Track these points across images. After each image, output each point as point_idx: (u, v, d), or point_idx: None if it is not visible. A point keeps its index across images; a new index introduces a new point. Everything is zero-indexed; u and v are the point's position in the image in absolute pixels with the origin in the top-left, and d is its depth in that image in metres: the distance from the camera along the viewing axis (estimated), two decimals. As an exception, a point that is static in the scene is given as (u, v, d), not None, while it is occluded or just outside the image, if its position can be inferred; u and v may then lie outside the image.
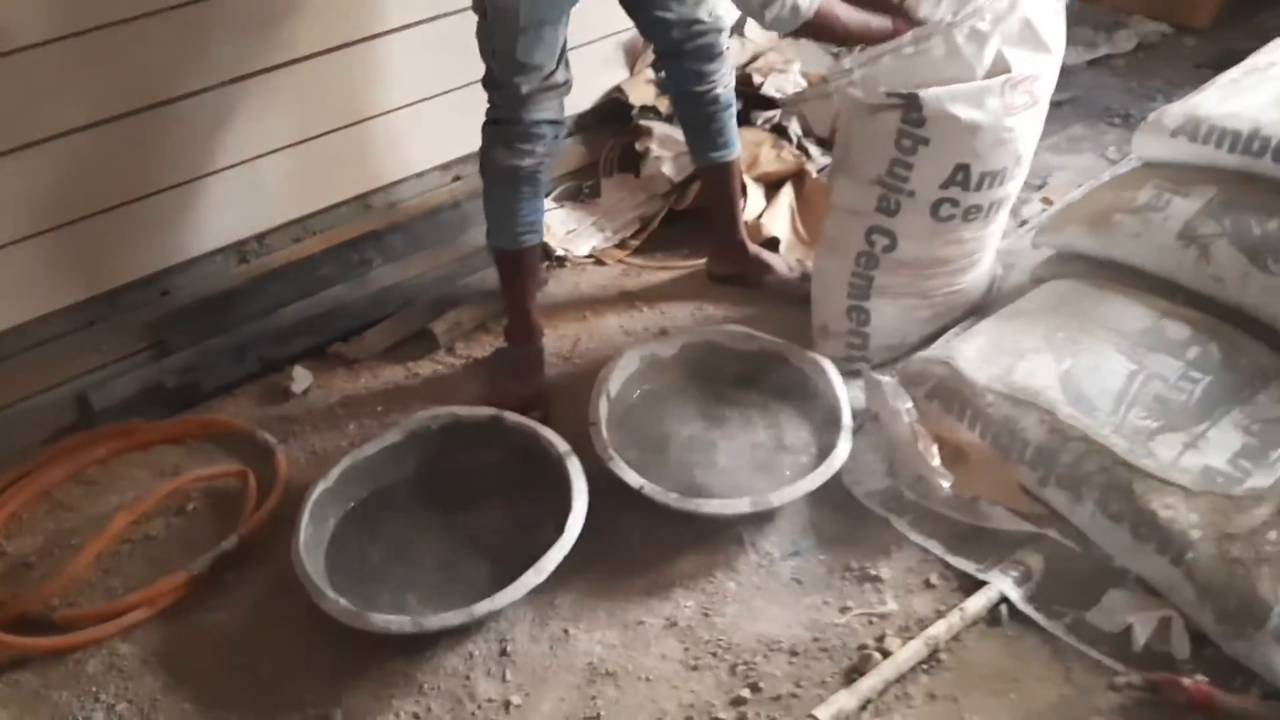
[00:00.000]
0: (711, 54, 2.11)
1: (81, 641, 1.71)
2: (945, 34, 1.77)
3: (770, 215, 2.44)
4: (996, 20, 1.78)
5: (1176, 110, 2.05)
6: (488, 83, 1.92)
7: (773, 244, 2.40)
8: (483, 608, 1.60)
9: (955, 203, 1.90)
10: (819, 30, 1.83)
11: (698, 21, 2.04)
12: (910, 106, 1.79)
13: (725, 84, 2.16)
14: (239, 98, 2.16)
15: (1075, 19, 3.33)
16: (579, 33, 2.06)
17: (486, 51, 1.89)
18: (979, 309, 2.14)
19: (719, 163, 2.24)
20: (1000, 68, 1.81)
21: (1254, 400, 1.73)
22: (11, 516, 1.94)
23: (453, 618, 1.60)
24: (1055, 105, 2.96)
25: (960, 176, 1.86)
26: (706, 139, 2.22)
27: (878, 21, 1.84)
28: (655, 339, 2.09)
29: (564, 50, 1.90)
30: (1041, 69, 1.85)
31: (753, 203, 2.46)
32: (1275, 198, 1.87)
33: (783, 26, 1.78)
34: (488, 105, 1.93)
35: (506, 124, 1.91)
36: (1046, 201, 2.54)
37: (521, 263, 2.06)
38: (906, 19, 1.84)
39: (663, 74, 2.35)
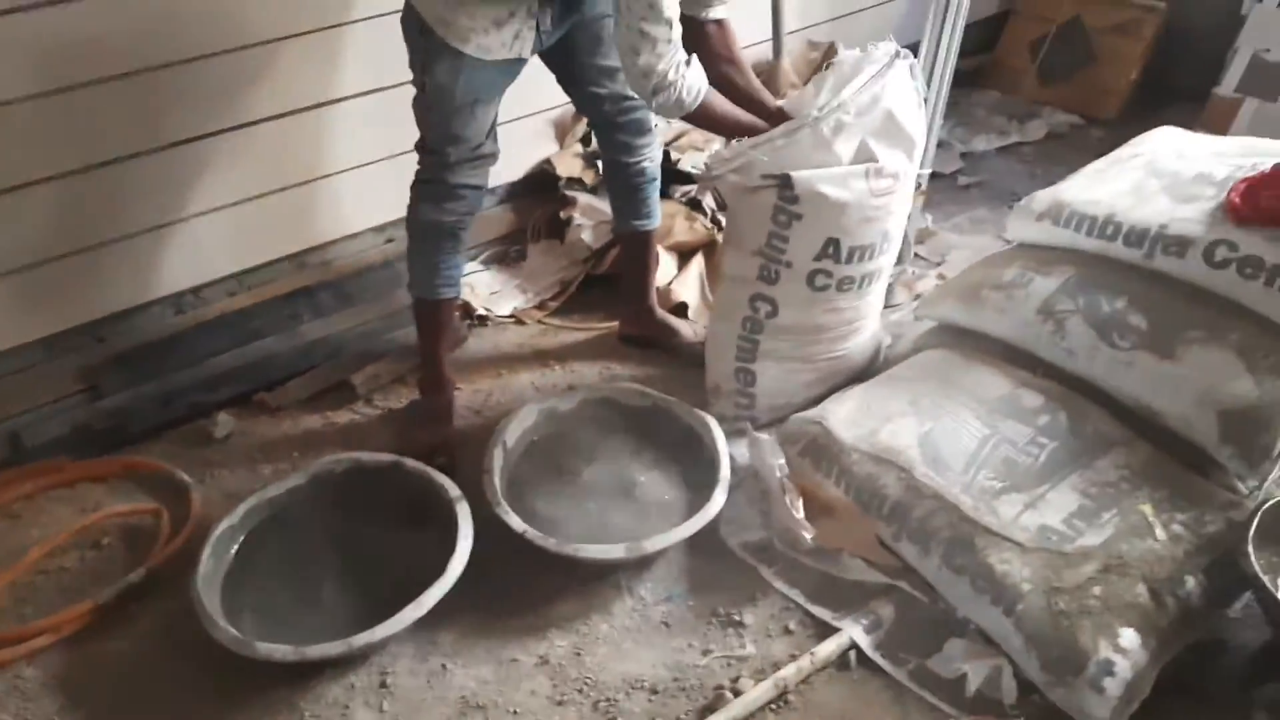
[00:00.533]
0: (641, 128, 2.27)
1: (-13, 664, 1.82)
2: (813, 126, 1.93)
3: (680, 282, 2.59)
4: (859, 113, 1.95)
5: (1044, 196, 2.22)
6: (420, 147, 2.07)
7: (681, 309, 2.55)
8: (361, 639, 1.71)
9: (829, 274, 2.05)
10: (700, 121, 2.01)
11: (628, 98, 2.18)
12: (784, 185, 1.95)
13: (652, 158, 2.32)
14: (184, 159, 2.31)
15: (993, 109, 3.56)
16: (513, 108, 2.22)
17: (422, 121, 2.04)
18: (866, 374, 2.28)
19: (639, 231, 2.39)
20: (865, 156, 1.97)
21: (1093, 465, 1.86)
22: (-64, 547, 2.05)
23: (332, 648, 1.70)
24: (962, 188, 3.19)
25: (831, 250, 2.02)
26: (631, 208, 2.37)
27: (750, 120, 2.00)
28: (556, 394, 2.21)
29: (494, 125, 2.06)
30: (903, 157, 2.01)
31: (665, 270, 2.61)
32: (1124, 279, 2.03)
33: (669, 113, 1.94)
34: (418, 167, 2.09)
35: (434, 184, 2.07)
36: (942, 278, 2.69)
37: (438, 313, 2.20)
38: (781, 121, 1.99)
39: (594, 145, 2.49)
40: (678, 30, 1.84)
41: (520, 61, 2.00)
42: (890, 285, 2.59)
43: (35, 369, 2.29)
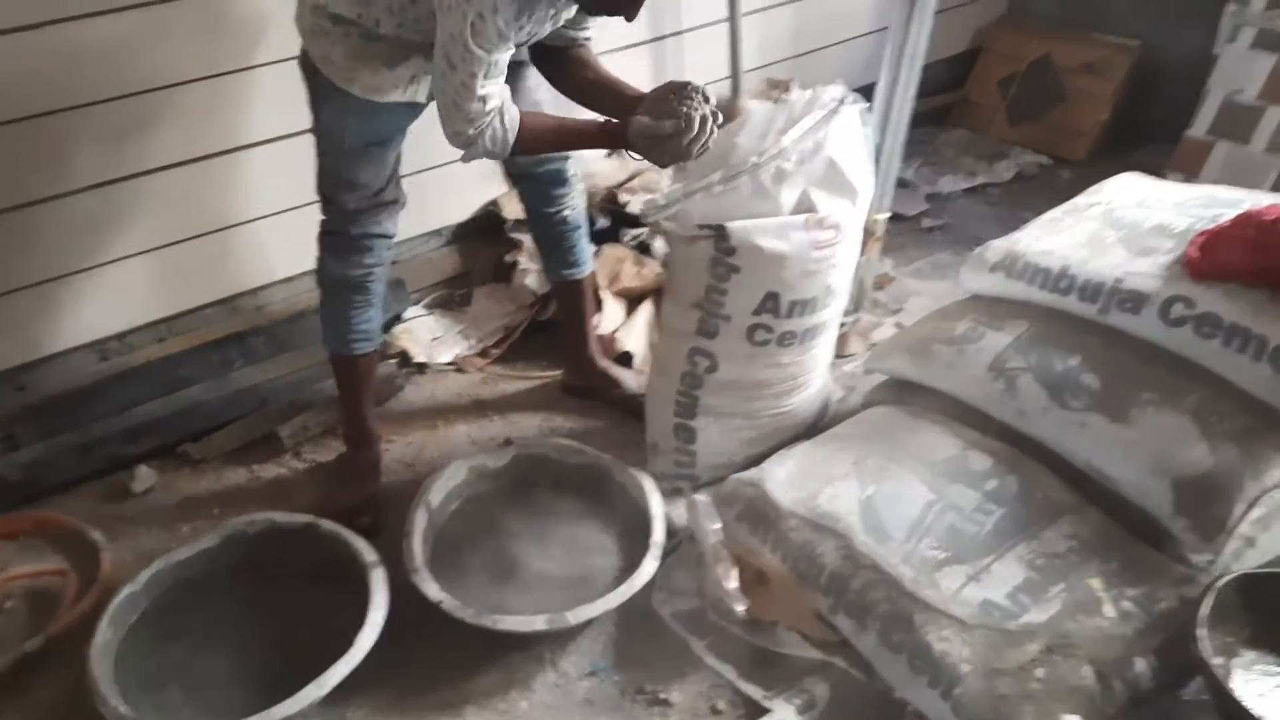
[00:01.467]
0: (558, 179, 2.19)
1: None
2: (751, 173, 1.85)
3: (626, 329, 2.50)
4: (801, 161, 1.87)
5: (998, 246, 2.14)
6: (320, 194, 1.98)
7: (627, 358, 2.46)
8: (256, 720, 1.61)
9: (769, 329, 1.96)
10: (533, 147, 1.90)
11: None
12: (720, 236, 1.87)
13: (574, 206, 2.24)
14: (105, 202, 2.23)
15: (961, 148, 3.49)
16: None
17: (318, 165, 1.96)
18: (813, 430, 2.18)
19: (570, 280, 2.31)
20: (806, 206, 1.89)
21: (1041, 535, 1.77)
22: None
23: (225, 730, 1.61)
24: (925, 231, 3.11)
25: (770, 304, 1.93)
26: (558, 257, 2.29)
27: (587, 124, 1.90)
28: (487, 450, 2.12)
29: (395, 169, 1.97)
30: (845, 208, 1.93)
31: (611, 317, 2.53)
32: (1078, 335, 1.94)
33: (494, 158, 1.85)
34: (321, 217, 2.00)
35: (336, 235, 1.98)
36: (899, 326, 2.61)
37: (355, 369, 2.11)
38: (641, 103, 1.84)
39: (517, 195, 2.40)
40: (494, 102, 1.74)
41: (418, 106, 1.91)
42: (844, 334, 2.52)
43: (-54, 419, 2.20)
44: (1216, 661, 1.57)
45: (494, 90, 1.72)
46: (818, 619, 1.80)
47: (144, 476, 2.23)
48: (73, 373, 2.33)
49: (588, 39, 1.98)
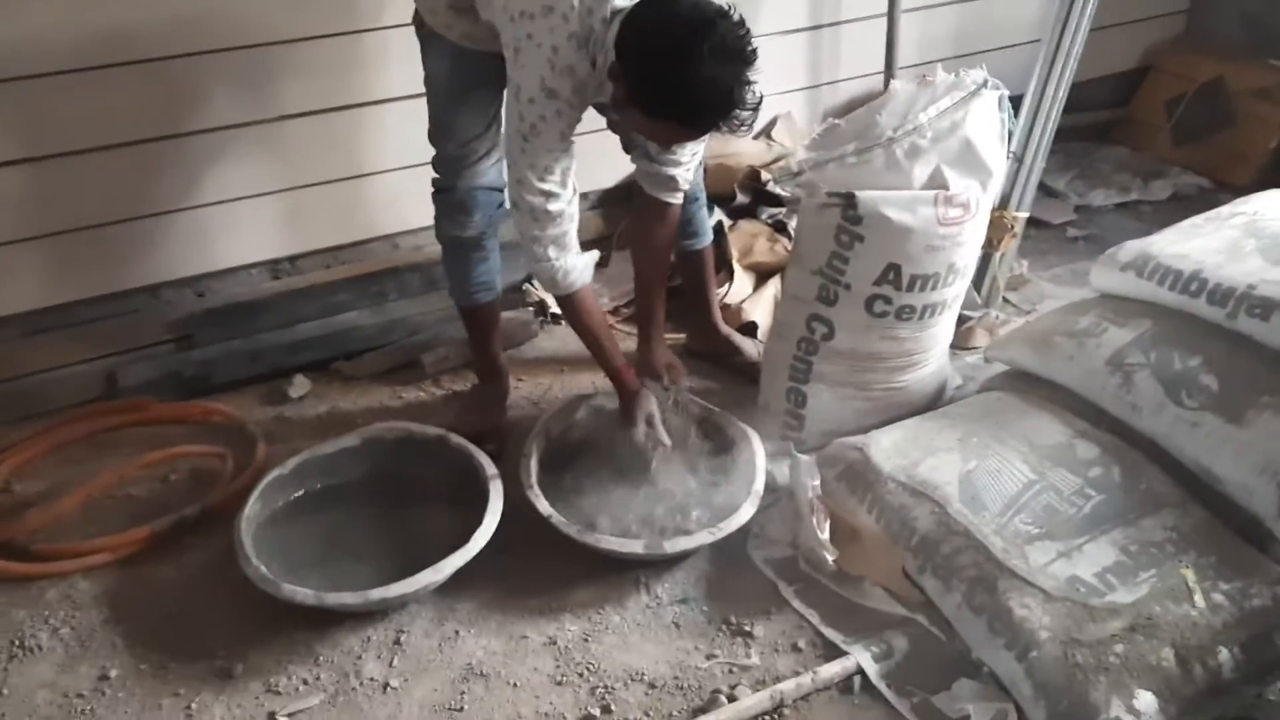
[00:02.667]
0: (671, 184, 2.17)
1: (49, 571, 1.96)
2: (886, 147, 1.92)
3: (753, 302, 2.60)
4: (936, 139, 1.93)
5: (1131, 246, 2.15)
6: (430, 143, 2.11)
7: (751, 328, 2.55)
8: (377, 594, 1.77)
9: (888, 300, 2.03)
10: (568, 313, 2.04)
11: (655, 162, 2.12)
12: (848, 204, 1.95)
13: (685, 180, 2.25)
14: (293, 132, 2.47)
15: (1118, 164, 3.45)
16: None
17: (428, 114, 2.09)
18: (926, 411, 2.22)
19: (689, 250, 2.41)
20: (938, 182, 1.95)
21: (1139, 523, 1.78)
22: (26, 463, 2.22)
23: (350, 598, 1.78)
24: (1070, 240, 3.09)
25: (892, 275, 1.99)
26: (679, 227, 2.38)
27: (611, 347, 2.05)
28: (606, 393, 2.25)
29: (495, 119, 2.04)
30: (976, 189, 1.97)
31: (740, 288, 2.62)
32: (1202, 338, 1.94)
33: (547, 288, 2.00)
34: (433, 175, 2.14)
35: (446, 193, 2.11)
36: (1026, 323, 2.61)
37: (479, 316, 2.27)
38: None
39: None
40: (559, 204, 1.84)
41: None
42: (970, 327, 2.55)
43: (138, 315, 2.48)
44: (1303, 660, 1.56)
45: (561, 200, 1.85)
46: (904, 577, 1.86)
47: (300, 385, 2.45)
48: (247, 286, 2.58)
49: (675, 184, 2.07)
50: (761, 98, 1.69)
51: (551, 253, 1.88)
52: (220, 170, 2.43)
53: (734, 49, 1.63)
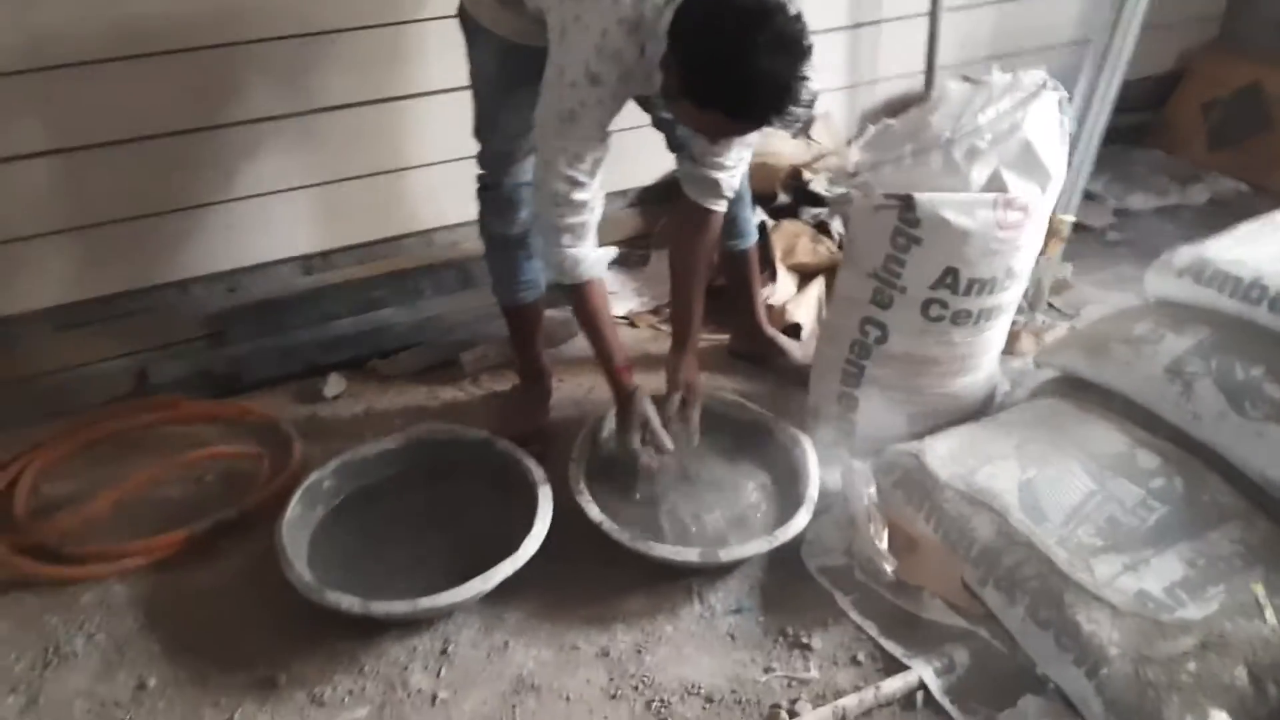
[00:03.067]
0: (715, 189, 2.11)
1: (82, 575, 1.92)
2: (944, 149, 1.88)
3: (796, 303, 2.56)
4: (995, 141, 1.88)
5: (1187, 251, 2.10)
6: (476, 139, 2.07)
7: (795, 330, 2.51)
8: (425, 603, 1.73)
9: (944, 304, 1.98)
10: (575, 304, 1.96)
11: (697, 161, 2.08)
12: (906, 206, 1.90)
13: (729, 181, 2.25)
14: (328, 125, 2.43)
15: (1154, 167, 3.41)
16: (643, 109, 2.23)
17: (473, 110, 2.04)
18: (976, 417, 2.18)
19: (734, 250, 2.37)
20: (997, 185, 1.91)
21: (1205, 536, 1.74)
22: (55, 462, 2.17)
23: (397, 607, 1.73)
24: (1110, 244, 3.05)
25: (949, 279, 1.95)
26: (724, 228, 2.33)
27: (614, 344, 1.99)
28: (654, 396, 2.20)
29: None
30: (1035, 192, 1.93)
31: (783, 289, 2.58)
32: (1264, 346, 1.89)
33: (555, 275, 1.92)
34: (478, 172, 2.10)
35: (491, 190, 2.07)
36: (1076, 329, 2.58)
37: (523, 315, 2.22)
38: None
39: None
40: (585, 194, 1.80)
41: None
42: (1016, 331, 2.50)
43: (169, 310, 2.43)
44: (1383, 679, 1.52)
45: (587, 190, 1.79)
46: (965, 589, 1.82)
47: (334, 383, 2.41)
48: (280, 281, 2.53)
49: (719, 189, 2.01)
50: (816, 94, 1.64)
51: (565, 240, 1.83)
52: (254, 164, 2.38)
53: (790, 41, 1.57)
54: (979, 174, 1.91)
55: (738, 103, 1.61)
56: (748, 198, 2.35)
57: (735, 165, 2.01)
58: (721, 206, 2.06)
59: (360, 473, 2.03)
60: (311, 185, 2.47)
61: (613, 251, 1.96)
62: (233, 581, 1.93)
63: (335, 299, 2.53)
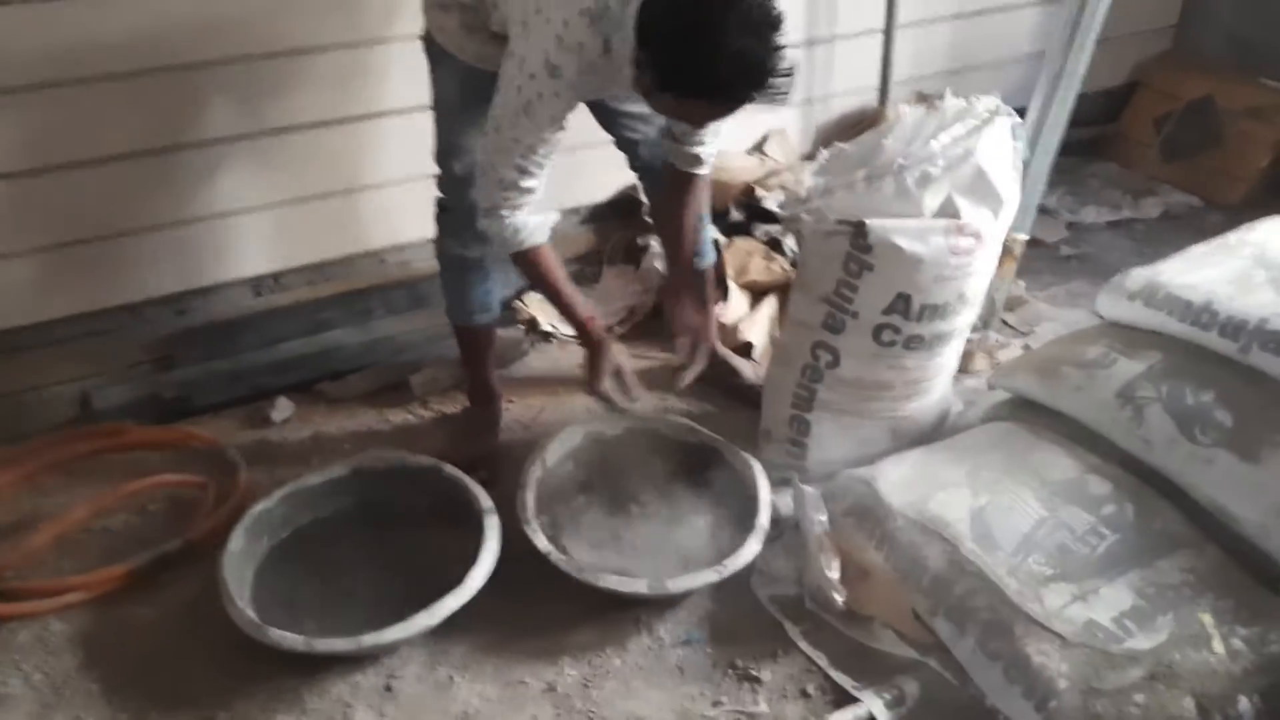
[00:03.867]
0: (698, 162, 2.21)
1: (19, 612, 1.87)
2: (897, 174, 1.87)
3: (749, 322, 2.54)
4: (948, 167, 1.88)
5: (1139, 274, 2.11)
6: (436, 163, 2.05)
7: (747, 349, 2.50)
8: (369, 639, 1.70)
9: (896, 330, 1.98)
10: (524, 269, 1.95)
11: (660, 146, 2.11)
12: (858, 233, 1.89)
13: (712, 156, 2.26)
14: (279, 147, 2.38)
15: (1108, 181, 3.43)
16: (602, 131, 2.20)
17: (434, 135, 2.02)
18: (930, 439, 2.18)
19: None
20: (949, 211, 1.90)
21: (1155, 565, 1.74)
22: (-7, 493, 2.12)
23: (341, 644, 1.70)
24: (1063, 259, 3.06)
25: (901, 305, 1.94)
26: None
27: (572, 297, 1.97)
28: (604, 419, 2.18)
29: None
30: (988, 218, 1.93)
31: (736, 308, 2.57)
32: (1214, 370, 1.90)
33: (498, 245, 1.91)
34: (437, 194, 2.08)
35: (450, 212, 2.05)
36: (1027, 349, 2.58)
37: (476, 336, 2.20)
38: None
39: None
40: (530, 181, 1.79)
41: None
42: (970, 350, 2.50)
43: (115, 334, 2.38)
44: (1327, 711, 1.53)
45: (536, 179, 1.79)
46: (915, 619, 1.81)
47: (283, 407, 2.36)
48: (229, 304, 2.49)
49: (701, 159, 2.02)
50: (793, 65, 1.61)
51: (504, 211, 1.82)
52: (205, 186, 2.34)
53: (760, 16, 1.54)
54: (931, 200, 1.90)
55: (717, 87, 1.58)
56: (707, 217, 2.33)
57: (716, 135, 2.01)
58: (706, 170, 2.07)
59: (306, 502, 2.00)
60: (263, 207, 2.43)
61: (554, 216, 1.93)
62: (175, 616, 1.89)
63: (285, 321, 2.49)
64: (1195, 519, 1.83)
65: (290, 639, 1.69)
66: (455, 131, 1.98)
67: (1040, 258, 3.01)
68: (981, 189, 1.92)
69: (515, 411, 2.38)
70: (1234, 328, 1.89)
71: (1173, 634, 1.64)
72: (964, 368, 2.47)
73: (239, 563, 1.86)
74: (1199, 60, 3.61)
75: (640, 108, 1.96)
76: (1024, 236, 2.58)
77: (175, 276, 2.41)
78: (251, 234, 2.44)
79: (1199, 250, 2.16)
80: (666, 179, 2.09)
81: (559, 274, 1.96)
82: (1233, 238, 2.17)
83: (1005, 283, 2.60)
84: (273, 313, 2.50)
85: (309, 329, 2.51)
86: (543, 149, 1.77)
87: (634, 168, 2.25)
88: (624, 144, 2.19)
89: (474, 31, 1.86)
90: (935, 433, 2.21)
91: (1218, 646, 1.63)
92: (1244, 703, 1.57)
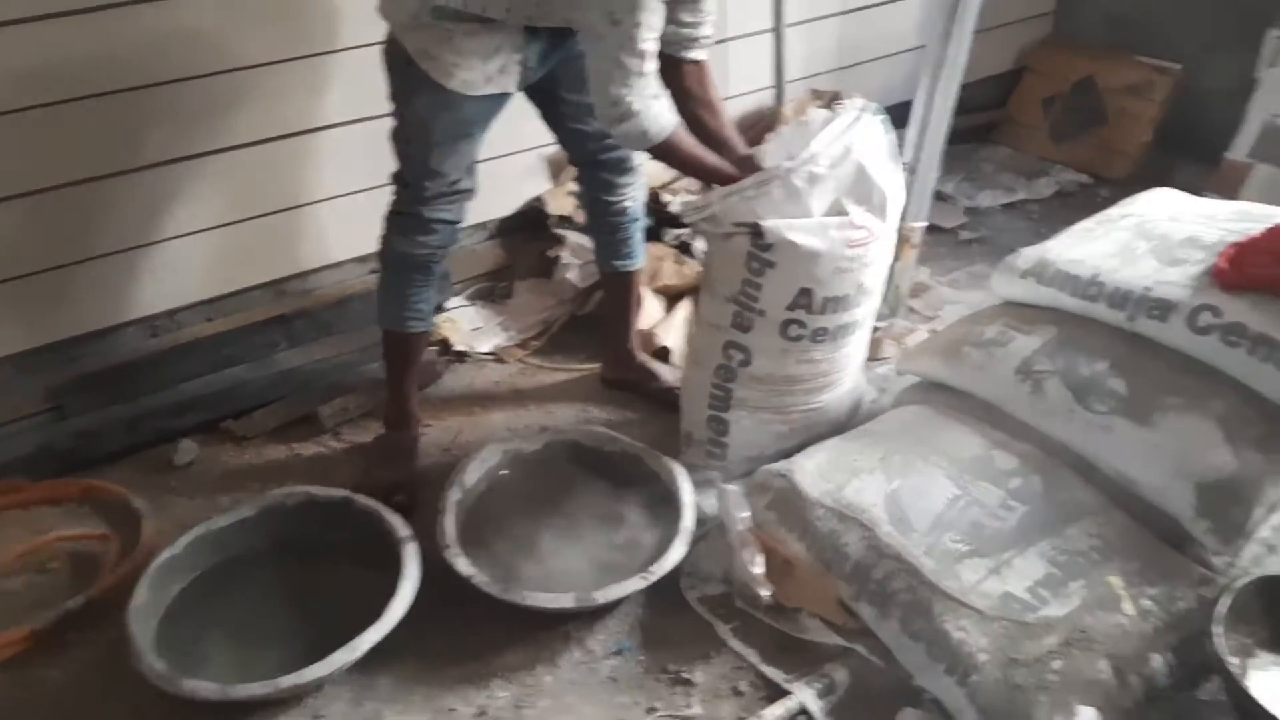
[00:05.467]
0: (623, 167, 2.23)
1: (-83, 684, 1.78)
2: (784, 178, 1.89)
3: (665, 326, 2.55)
4: (832, 165, 1.91)
5: (1029, 253, 2.16)
6: (396, 178, 2.04)
7: (664, 353, 2.51)
8: (288, 680, 1.66)
9: (802, 324, 2.00)
10: (665, 156, 1.95)
11: (611, 135, 2.09)
12: (755, 233, 1.91)
13: (635, 198, 2.28)
14: (163, 181, 2.31)
15: (1002, 165, 3.52)
16: (507, 143, 2.20)
17: (400, 154, 2.01)
18: (845, 427, 2.20)
19: (620, 272, 2.35)
20: (838, 210, 1.94)
21: (1063, 533, 1.78)
22: (-120, 562, 2.02)
23: (259, 688, 1.66)
24: (964, 243, 3.13)
25: (805, 299, 1.97)
26: (611, 248, 2.33)
27: (718, 161, 1.97)
28: (523, 435, 2.16)
29: (474, 161, 2.03)
30: (877, 209, 1.96)
31: (651, 313, 2.57)
32: (1105, 341, 1.96)
33: (633, 144, 1.91)
34: (393, 198, 2.06)
35: (407, 216, 2.04)
36: (933, 334, 2.63)
37: (407, 347, 2.17)
38: (749, 169, 1.96)
39: (577, 182, 2.42)
40: (652, 64, 1.81)
41: (505, 96, 1.98)
42: (879, 338, 2.54)
43: (4, 385, 2.28)
44: (1232, 661, 1.58)
45: (655, 60, 1.79)
46: (840, 606, 1.82)
47: (187, 450, 2.30)
48: (123, 347, 2.40)
49: (698, 43, 1.99)
50: None
51: (649, 102, 1.82)
52: (88, 224, 2.26)
53: None
54: (819, 198, 1.93)
55: None
56: (643, 219, 2.34)
57: (711, 15, 2.00)
58: (705, 54, 2.04)
59: (215, 546, 1.94)
60: (151, 244, 2.35)
61: (667, 95, 1.90)
62: (84, 675, 1.82)
63: (184, 360, 2.42)
64: (1100, 486, 1.88)
65: (205, 688, 1.65)
66: (436, 159, 1.97)
67: (941, 243, 3.07)
68: (865, 185, 1.95)
69: (433, 435, 2.35)
70: (1120, 298, 1.95)
71: (1085, 599, 1.68)
72: (874, 355, 2.51)
73: (146, 615, 1.79)
74: (1080, 43, 3.72)
75: (585, 96, 1.94)
76: (922, 224, 2.63)
77: (63, 323, 2.32)
78: (144, 272, 2.37)
79: (1084, 225, 2.22)
80: (676, 87, 1.99)
81: (702, 148, 1.95)
82: (1115, 211, 2.24)
83: (908, 270, 2.65)
84: (170, 352, 2.42)
85: (210, 366, 2.45)
86: (658, 23, 1.77)
87: (575, 162, 2.26)
88: (568, 137, 2.19)
89: (463, 52, 1.86)
90: (850, 421, 2.24)
91: (1128, 608, 1.67)
92: (1157, 661, 1.62)
